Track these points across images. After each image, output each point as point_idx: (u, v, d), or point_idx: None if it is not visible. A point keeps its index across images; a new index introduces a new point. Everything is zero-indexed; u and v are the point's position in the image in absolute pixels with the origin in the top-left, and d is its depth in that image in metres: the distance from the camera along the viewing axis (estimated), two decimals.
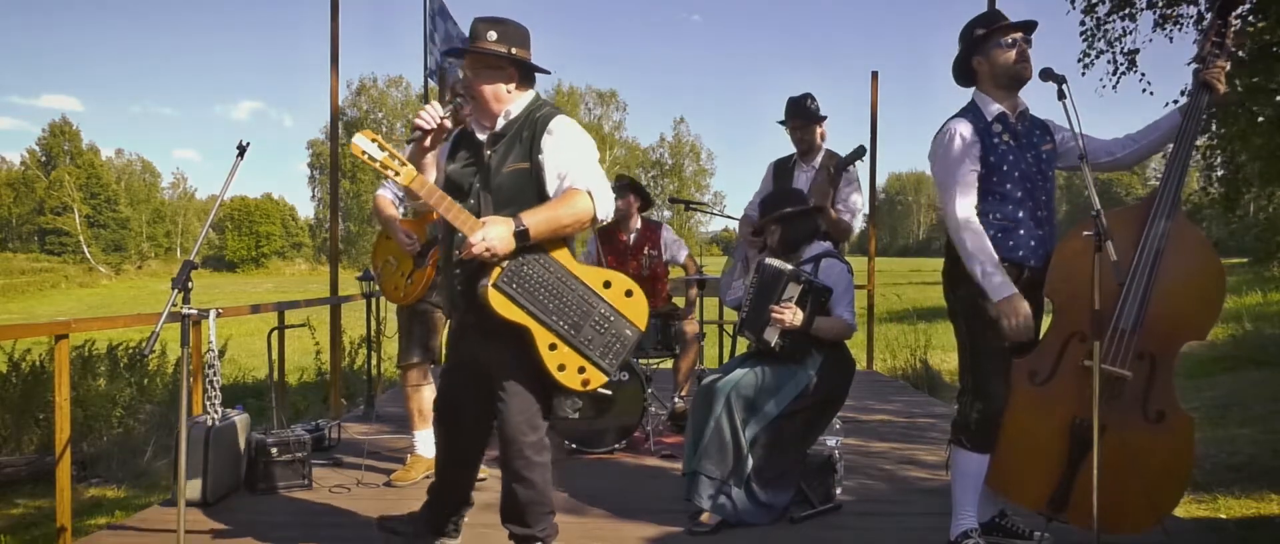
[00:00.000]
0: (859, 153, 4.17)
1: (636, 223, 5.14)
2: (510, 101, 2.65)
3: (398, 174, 2.47)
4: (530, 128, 2.61)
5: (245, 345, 10.66)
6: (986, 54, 2.88)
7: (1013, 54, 2.84)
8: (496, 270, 2.49)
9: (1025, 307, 2.75)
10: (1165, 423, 2.76)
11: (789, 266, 3.38)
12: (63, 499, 3.29)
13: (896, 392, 7.13)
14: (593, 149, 2.65)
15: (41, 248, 61.64)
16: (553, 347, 2.56)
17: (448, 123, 2.59)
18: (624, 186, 5.07)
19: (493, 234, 2.43)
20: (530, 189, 2.59)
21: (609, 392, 3.84)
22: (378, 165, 2.44)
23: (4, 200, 64.69)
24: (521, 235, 2.46)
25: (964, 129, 2.84)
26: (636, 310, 2.68)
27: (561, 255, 2.60)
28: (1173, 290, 2.72)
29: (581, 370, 2.61)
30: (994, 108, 2.88)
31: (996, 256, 2.77)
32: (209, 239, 61.60)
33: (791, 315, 3.25)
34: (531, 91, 2.71)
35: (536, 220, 2.48)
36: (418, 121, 2.55)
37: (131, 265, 62.15)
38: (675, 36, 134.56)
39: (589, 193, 2.53)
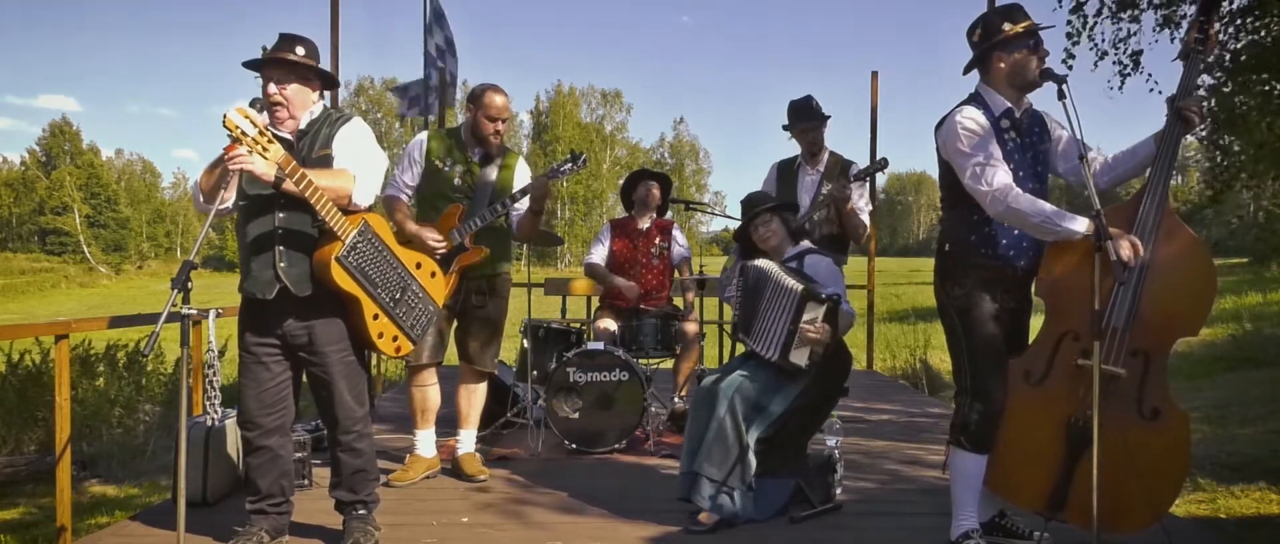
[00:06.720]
0: (881, 165, 4.19)
1: (654, 213, 5.32)
2: (314, 106, 2.96)
3: (267, 152, 2.56)
4: (328, 125, 2.95)
5: None
6: (1009, 53, 2.83)
7: (1035, 60, 2.81)
8: (338, 245, 2.76)
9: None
10: (1160, 420, 2.75)
11: (792, 279, 3.28)
12: (63, 499, 3.29)
13: (896, 392, 7.12)
14: (377, 153, 2.96)
15: (42, 248, 61.69)
16: (376, 317, 2.92)
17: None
18: (648, 176, 5.31)
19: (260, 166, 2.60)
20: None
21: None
22: (248, 141, 2.51)
23: (4, 200, 64.71)
24: (277, 179, 2.65)
25: (979, 115, 2.81)
26: (437, 290, 3.17)
27: (386, 236, 2.95)
28: (1164, 287, 2.71)
29: (396, 338, 2.99)
30: (1001, 103, 2.85)
31: (1052, 207, 2.68)
32: (209, 239, 61.51)
33: (826, 334, 3.24)
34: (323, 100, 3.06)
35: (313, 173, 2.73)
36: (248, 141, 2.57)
37: (131, 265, 62.17)
38: (668, 37, 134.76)
39: (355, 176, 2.85)
